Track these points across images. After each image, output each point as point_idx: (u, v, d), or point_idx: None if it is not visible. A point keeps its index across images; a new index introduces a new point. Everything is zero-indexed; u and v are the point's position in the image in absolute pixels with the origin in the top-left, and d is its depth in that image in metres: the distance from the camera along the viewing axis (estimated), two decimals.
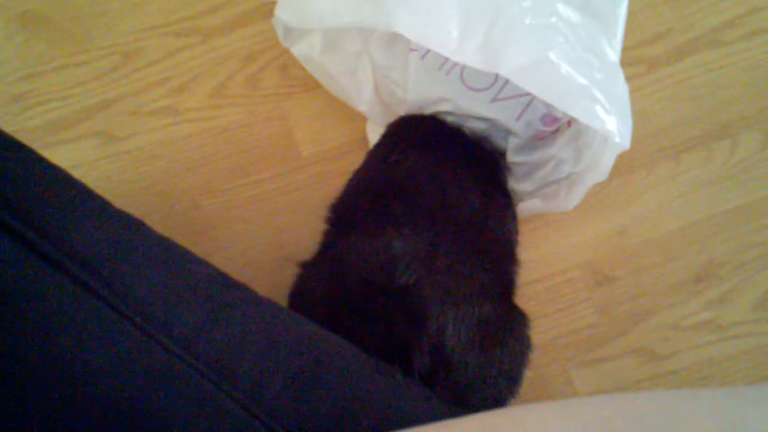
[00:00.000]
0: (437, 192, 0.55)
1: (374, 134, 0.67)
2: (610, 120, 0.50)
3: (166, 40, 0.70)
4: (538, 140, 0.65)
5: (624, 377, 0.64)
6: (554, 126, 0.64)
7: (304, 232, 0.66)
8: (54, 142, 0.68)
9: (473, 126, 0.65)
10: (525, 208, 0.64)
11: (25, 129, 0.69)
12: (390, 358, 0.47)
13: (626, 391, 0.64)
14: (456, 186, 0.56)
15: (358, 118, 0.68)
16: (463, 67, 0.65)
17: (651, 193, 0.67)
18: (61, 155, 0.68)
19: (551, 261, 0.66)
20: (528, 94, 0.64)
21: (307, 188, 0.68)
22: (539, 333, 0.59)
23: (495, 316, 0.52)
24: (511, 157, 0.64)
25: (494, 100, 0.64)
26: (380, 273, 0.50)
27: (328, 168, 0.69)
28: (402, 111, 0.65)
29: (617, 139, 0.50)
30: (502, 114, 0.64)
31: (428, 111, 0.65)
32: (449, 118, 0.64)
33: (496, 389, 0.52)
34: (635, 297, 0.65)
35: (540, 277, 0.66)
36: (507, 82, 0.64)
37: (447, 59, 0.64)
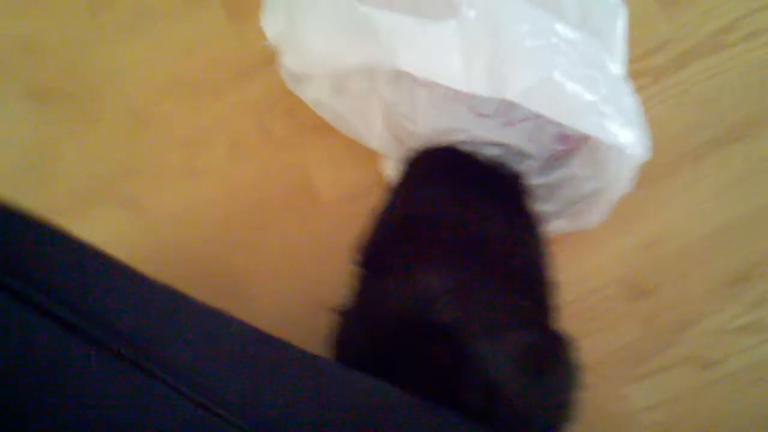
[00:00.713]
0: (463, 224, 0.56)
1: (390, 169, 0.69)
2: (622, 133, 0.52)
3: (176, 101, 0.71)
4: (555, 160, 0.66)
5: (679, 387, 0.65)
6: (569, 144, 0.65)
7: (336, 278, 0.66)
8: (78, 212, 0.70)
9: (488, 152, 0.66)
10: (552, 229, 0.65)
11: (47, 201, 0.70)
12: (441, 398, 0.47)
13: (683, 401, 0.64)
14: (481, 215, 0.57)
15: (373, 156, 0.70)
16: (472, 95, 0.67)
17: (677, 200, 0.68)
18: (86, 225, 0.69)
19: (586, 280, 0.67)
20: (539, 115, 0.66)
21: (332, 233, 0.69)
22: (586, 353, 0.58)
23: (538, 342, 0.52)
24: (532, 179, 0.65)
25: (506, 124, 0.66)
26: (418, 313, 0.51)
27: (350, 210, 0.70)
28: (414, 143, 0.66)
29: (631, 151, 0.52)
30: (515, 138, 0.66)
31: (442, 141, 0.66)
32: (464, 147, 0.66)
33: (552, 416, 0.52)
34: (676, 306, 0.66)
35: (577, 297, 0.67)
36: (516, 105, 0.66)
37: (454, 89, 0.67)
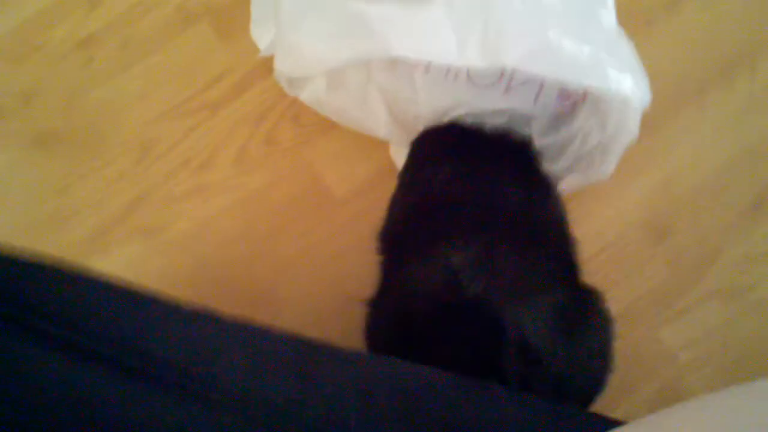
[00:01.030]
0: (478, 195, 0.57)
1: (399, 155, 0.70)
2: (624, 78, 0.52)
3: (177, 123, 0.73)
4: (560, 118, 0.67)
5: (711, 321, 0.66)
6: (571, 100, 0.66)
7: (361, 270, 0.68)
8: (99, 248, 0.72)
9: (493, 121, 0.67)
10: (566, 186, 0.66)
11: (69, 243, 0.72)
12: (481, 371, 0.48)
13: (716, 335, 0.66)
14: (494, 184, 0.58)
15: (380, 145, 0.71)
16: (468, 69, 0.68)
17: (685, 139, 0.70)
18: (109, 259, 0.71)
19: (606, 230, 0.69)
20: (538, 77, 0.66)
21: (350, 228, 0.71)
22: (616, 302, 0.60)
23: (568, 300, 0.53)
24: (539, 140, 0.66)
25: (507, 91, 0.67)
26: (447, 290, 0.52)
27: (365, 202, 0.71)
28: (420, 126, 0.67)
29: (633, 97, 0.52)
30: (518, 102, 0.67)
31: (446, 119, 0.67)
32: (468, 120, 0.67)
33: (591, 370, 0.54)
34: (699, 241, 0.68)
35: (600, 249, 0.68)
36: (514, 71, 0.66)
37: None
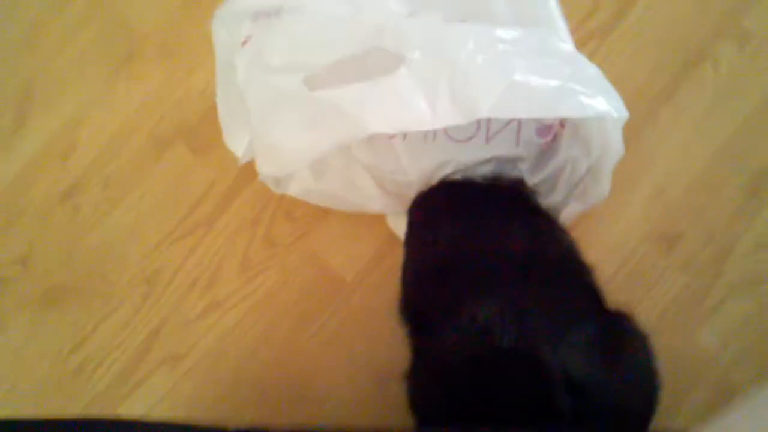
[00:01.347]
0: (486, 247, 0.58)
1: (397, 224, 0.72)
2: (597, 102, 0.54)
3: (176, 247, 0.75)
4: (546, 153, 0.69)
5: (742, 314, 0.67)
6: (551, 133, 0.68)
7: (387, 344, 0.69)
8: (130, 390, 0.73)
9: (482, 172, 0.69)
10: (567, 216, 0.67)
11: (99, 393, 0.73)
12: (533, 418, 0.49)
13: (750, 326, 0.67)
14: (498, 232, 0.59)
15: (377, 219, 0.72)
16: (445, 127, 0.69)
17: (668, 142, 0.71)
18: (143, 396, 0.73)
19: (616, 250, 0.69)
20: (514, 119, 0.67)
21: (367, 307, 0.72)
22: (646, 317, 0.60)
23: (601, 328, 0.54)
24: (530, 179, 0.68)
25: (488, 140, 0.69)
26: (482, 348, 0.52)
27: (375, 279, 0.73)
28: (412, 192, 0.69)
29: (613, 114, 0.54)
30: (501, 148, 0.68)
31: (435, 180, 0.69)
32: (457, 176, 0.68)
33: (641, 391, 0.54)
34: (708, 240, 0.69)
35: (615, 270, 0.69)
36: (490, 120, 0.67)
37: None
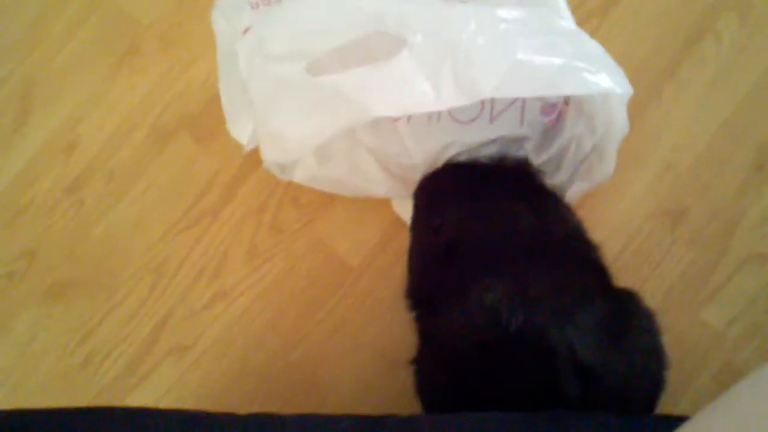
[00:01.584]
0: (492, 228, 0.59)
1: (402, 208, 0.73)
2: (600, 78, 0.54)
3: (182, 238, 0.76)
4: (550, 131, 0.69)
5: (748, 290, 0.67)
6: (555, 112, 0.68)
7: (395, 330, 0.71)
8: (137, 381, 0.74)
9: (487, 153, 0.69)
10: (572, 195, 0.67)
11: (106, 385, 0.74)
12: (541, 399, 0.49)
13: (759, 302, 0.67)
14: (505, 213, 0.59)
15: (382, 204, 0.73)
16: (449, 109, 0.69)
17: (672, 118, 0.71)
18: (150, 388, 0.73)
19: (622, 229, 0.70)
20: (518, 99, 0.68)
21: (373, 291, 0.73)
22: (651, 296, 0.61)
23: (607, 308, 0.54)
24: (536, 159, 0.69)
25: (492, 120, 0.69)
26: (489, 330, 0.52)
27: (382, 264, 0.73)
28: (417, 175, 0.69)
29: (618, 90, 0.54)
30: (505, 128, 0.69)
31: (440, 162, 0.69)
32: (462, 158, 0.69)
33: (648, 371, 0.54)
34: (714, 215, 0.69)
35: (621, 248, 0.69)
36: (494, 99, 0.68)
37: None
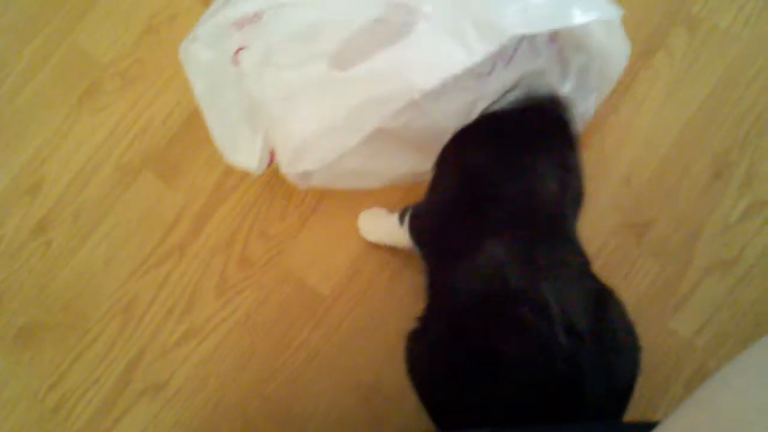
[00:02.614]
0: (517, 189, 0.61)
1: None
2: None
3: (151, 275, 0.78)
4: (564, 61, 0.71)
5: (714, 297, 0.71)
6: (559, 38, 0.70)
7: (369, 359, 0.73)
8: (111, 424, 0.75)
9: (513, 98, 0.70)
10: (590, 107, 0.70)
11: (80, 430, 0.75)
12: (538, 352, 0.54)
13: (724, 309, 0.70)
14: (531, 174, 0.62)
15: (350, 232, 0.76)
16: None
17: (630, 132, 0.75)
18: (124, 430, 0.75)
19: (588, 244, 0.70)
20: (524, 36, 0.69)
21: (346, 321, 0.75)
22: None
23: (594, 288, 0.60)
24: (560, 92, 0.70)
25: (509, 63, 0.71)
26: (493, 284, 0.57)
27: (353, 292, 0.76)
28: (446, 139, 0.69)
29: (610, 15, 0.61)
30: (522, 66, 0.71)
31: (470, 119, 0.69)
32: (493, 108, 0.70)
33: (626, 346, 0.59)
34: (677, 226, 0.73)
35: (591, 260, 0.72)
36: (505, 46, 0.68)
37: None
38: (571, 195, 0.64)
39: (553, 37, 0.70)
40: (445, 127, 0.69)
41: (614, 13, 0.62)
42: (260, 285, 0.77)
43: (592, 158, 0.66)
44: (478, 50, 0.57)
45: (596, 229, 0.74)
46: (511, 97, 0.70)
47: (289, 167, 0.66)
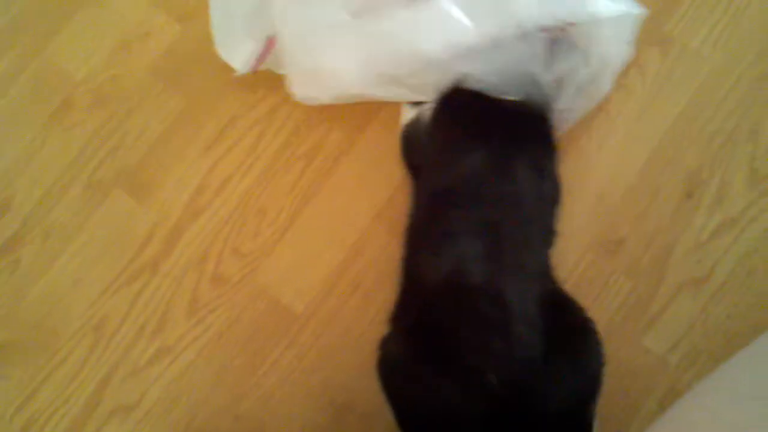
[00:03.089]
0: (491, 187, 0.64)
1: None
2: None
3: (122, 294, 0.78)
4: (554, 50, 0.70)
5: (686, 315, 0.72)
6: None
7: (343, 378, 0.74)
8: None
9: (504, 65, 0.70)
10: (575, 114, 0.73)
11: None
12: (498, 339, 0.58)
13: (697, 327, 0.72)
14: (508, 173, 0.64)
15: (326, 249, 0.77)
16: None
17: (603, 150, 0.77)
18: None
19: (561, 262, 0.73)
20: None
21: (320, 339, 0.76)
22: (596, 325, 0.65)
23: (554, 288, 0.64)
24: (545, 77, 0.69)
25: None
26: (457, 278, 0.61)
27: (327, 309, 0.76)
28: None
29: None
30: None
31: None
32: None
33: (589, 339, 0.62)
34: (648, 244, 0.74)
35: (563, 279, 0.73)
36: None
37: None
38: (548, 200, 0.67)
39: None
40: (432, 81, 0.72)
41: (639, 10, 0.66)
42: (233, 303, 0.77)
43: (564, 175, 0.67)
44: (486, 33, 0.63)
45: (569, 246, 0.74)
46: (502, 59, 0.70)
47: (295, 91, 0.74)
